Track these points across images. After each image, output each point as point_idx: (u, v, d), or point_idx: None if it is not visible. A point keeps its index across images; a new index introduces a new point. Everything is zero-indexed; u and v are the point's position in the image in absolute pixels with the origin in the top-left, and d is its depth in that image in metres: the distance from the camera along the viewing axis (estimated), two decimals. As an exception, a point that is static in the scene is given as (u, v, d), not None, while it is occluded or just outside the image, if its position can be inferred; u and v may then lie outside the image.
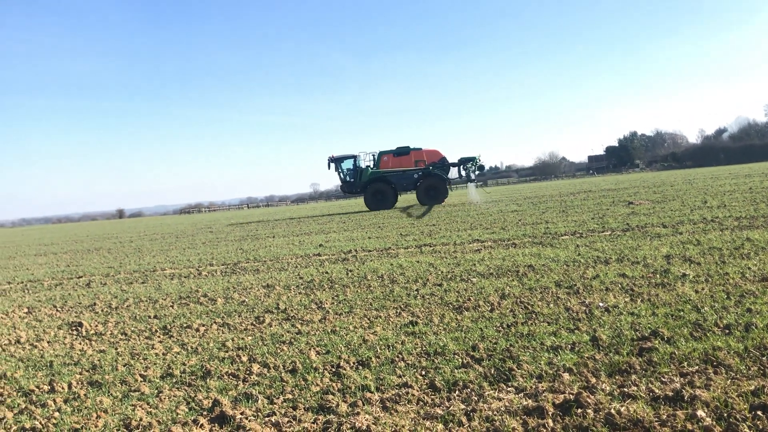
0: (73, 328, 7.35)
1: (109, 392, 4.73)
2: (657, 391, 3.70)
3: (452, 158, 34.69)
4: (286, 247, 15.42)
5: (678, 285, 6.56)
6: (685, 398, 3.53)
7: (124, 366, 5.42)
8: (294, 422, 3.80)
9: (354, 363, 4.89)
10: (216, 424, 3.89)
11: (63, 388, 4.91)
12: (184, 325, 6.93)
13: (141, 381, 4.93)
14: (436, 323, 5.92)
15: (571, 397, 3.71)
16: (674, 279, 6.90)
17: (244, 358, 5.29)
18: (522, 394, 3.92)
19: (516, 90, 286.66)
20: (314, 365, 4.91)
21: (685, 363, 4.16)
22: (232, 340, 6.02)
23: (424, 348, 5.12)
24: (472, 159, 34.24)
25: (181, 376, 4.97)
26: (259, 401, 4.19)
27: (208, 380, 4.79)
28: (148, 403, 4.38)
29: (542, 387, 3.97)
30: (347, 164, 34.43)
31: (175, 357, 5.58)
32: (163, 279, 11.36)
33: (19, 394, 4.90)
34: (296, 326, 6.36)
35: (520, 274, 8.13)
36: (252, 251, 15.25)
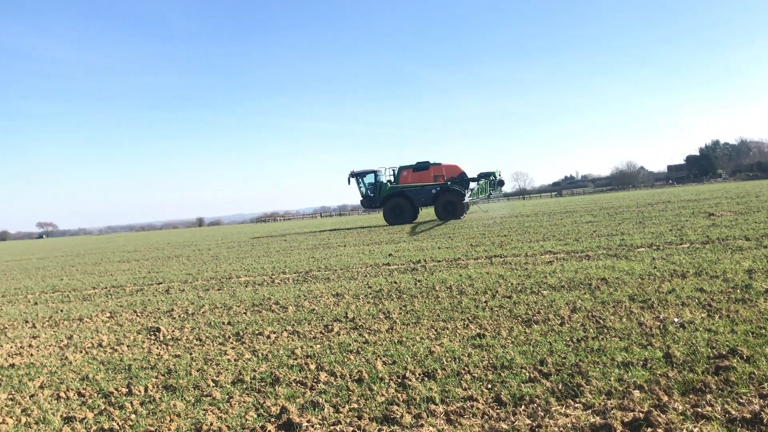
0: (152, 333, 7.64)
1: (182, 396, 4.89)
2: (734, 412, 3.55)
3: (473, 173, 34.51)
4: (357, 256, 15.56)
5: (760, 301, 6.27)
6: (765, 421, 3.37)
7: (197, 371, 5.59)
8: (358, 432, 3.84)
9: (419, 374, 4.90)
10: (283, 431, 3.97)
11: (140, 391, 5.11)
12: (256, 332, 7.10)
13: (213, 386, 5.08)
14: (503, 336, 5.85)
15: (641, 415, 3.60)
16: (756, 295, 6.60)
17: (312, 366, 5.37)
18: (590, 410, 3.83)
19: (593, 98, 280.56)
20: (380, 375, 4.94)
21: (766, 384, 3.97)
22: (301, 348, 6.12)
23: (490, 361, 5.07)
24: (491, 174, 33.94)
25: (251, 383, 5.09)
26: (326, 410, 4.25)
27: (276, 387, 4.89)
28: (218, 408, 4.50)
29: (611, 404, 3.87)
30: (368, 179, 34.83)
31: (246, 363, 5.72)
32: (237, 286, 11.66)
33: (100, 395, 5.13)
34: (363, 336, 6.41)
35: (592, 287, 7.94)
36: (323, 260, 15.46)
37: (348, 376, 5.01)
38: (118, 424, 4.34)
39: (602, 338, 5.44)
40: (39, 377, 5.86)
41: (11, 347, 7.50)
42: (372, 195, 34.95)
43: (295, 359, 5.70)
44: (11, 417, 4.73)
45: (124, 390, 5.18)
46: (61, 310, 10.35)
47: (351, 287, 10.01)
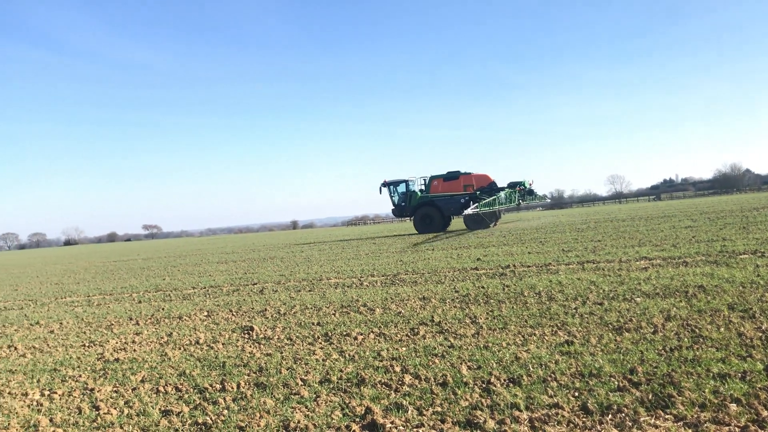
0: (245, 332, 7.92)
1: (272, 394, 5.06)
2: (839, 430, 3.34)
3: (503, 182, 34.29)
4: (444, 260, 15.55)
5: None
6: None
7: (287, 370, 5.76)
8: (441, 435, 3.86)
9: (505, 380, 4.86)
10: (367, 432, 4.05)
11: (232, 388, 5.33)
12: (344, 333, 7.24)
13: (301, 385, 5.22)
14: (593, 344, 5.72)
15: (737, 429, 3.45)
16: None
17: (398, 369, 5.43)
18: (681, 422, 3.70)
19: (694, 98, 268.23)
20: (465, 380, 4.94)
21: None
22: (387, 350, 6.20)
23: (578, 369, 4.97)
24: (521, 183, 33.81)
25: (337, 382, 5.20)
26: (409, 412, 4.30)
27: (362, 388, 4.98)
28: (306, 407, 4.63)
29: (704, 417, 3.72)
30: (400, 189, 35.55)
31: (334, 363, 5.85)
32: (327, 288, 11.90)
33: (195, 390, 5.38)
34: (449, 340, 6.42)
35: (688, 295, 7.63)
36: (411, 263, 15.54)
37: (432, 379, 5.04)
38: (211, 418, 4.54)
39: (697, 348, 5.22)
40: (141, 372, 6.21)
41: (116, 342, 7.97)
42: (403, 204, 35.61)
43: (381, 361, 5.78)
44: (115, 408, 5.03)
45: (218, 386, 5.40)
46: (163, 309, 10.89)
47: (438, 291, 10.03)
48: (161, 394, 5.35)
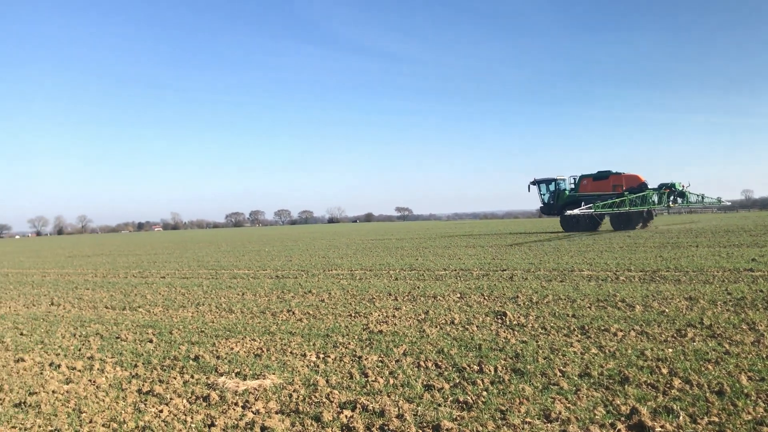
0: (499, 316, 8.00)
1: (530, 381, 5.05)
2: None
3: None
4: (711, 258, 14.23)
5: None
6: None
7: (544, 359, 5.71)
8: (720, 448, 3.56)
9: (795, 397, 4.33)
10: (634, 432, 3.87)
11: (490, 370, 5.42)
12: (602, 327, 6.97)
13: (560, 376, 5.14)
14: None
15: None
16: None
17: (664, 371, 5.10)
18: None
19: None
20: (745, 391, 4.49)
21: None
22: (651, 349, 5.85)
23: None
24: (671, 185, 32.27)
25: (598, 378, 5.04)
26: (681, 418, 4.02)
27: (626, 386, 4.76)
28: (566, 399, 4.55)
29: None
30: (550, 187, 35.36)
31: (593, 358, 5.67)
32: (580, 279, 11.55)
33: (454, 369, 5.56)
34: (723, 345, 5.88)
35: None
36: (672, 260, 14.45)
37: (706, 386, 4.65)
38: (471, 398, 4.67)
39: None
40: (402, 345, 6.58)
41: (379, 315, 8.52)
42: (551, 202, 35.32)
43: (645, 360, 5.47)
44: (381, 377, 5.39)
45: (476, 367, 5.53)
46: (418, 287, 11.41)
47: (706, 291, 9.22)
48: (422, 369, 5.61)
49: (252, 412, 4.66)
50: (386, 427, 4.16)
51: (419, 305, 9.28)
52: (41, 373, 6.26)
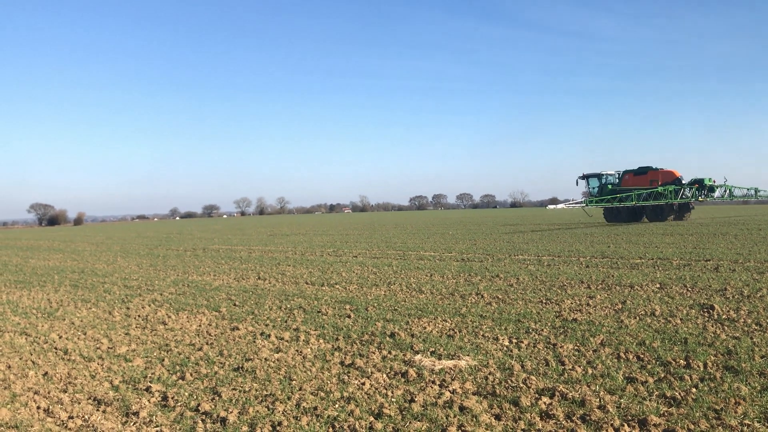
0: (705, 309, 7.46)
1: (746, 381, 4.67)
2: None
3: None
4: None
5: None
6: None
7: (761, 358, 5.25)
8: None
9: None
10: None
11: (698, 366, 5.08)
12: (830, 327, 6.26)
13: (782, 378, 4.70)
14: None
15: None
16: None
17: None
18: None
19: None
20: None
21: None
22: None
23: None
24: (701, 180, 34.10)
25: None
26: None
27: None
28: (791, 403, 4.15)
29: None
30: (594, 182, 37.76)
31: (821, 361, 5.11)
32: (799, 273, 10.43)
33: (657, 363, 5.28)
34: None
35: None
36: None
37: None
38: (679, 394, 4.41)
39: None
40: (599, 335, 6.36)
41: (572, 303, 8.30)
42: (597, 195, 37.15)
43: None
44: (579, 366, 5.25)
45: (683, 362, 5.22)
46: (612, 276, 10.94)
47: None
48: (623, 360, 5.39)
49: (449, 391, 4.76)
50: (587, 417, 4.06)
51: (615, 294, 8.90)
52: (254, 341, 6.84)
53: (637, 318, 7.16)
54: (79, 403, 4.97)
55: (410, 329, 7.06)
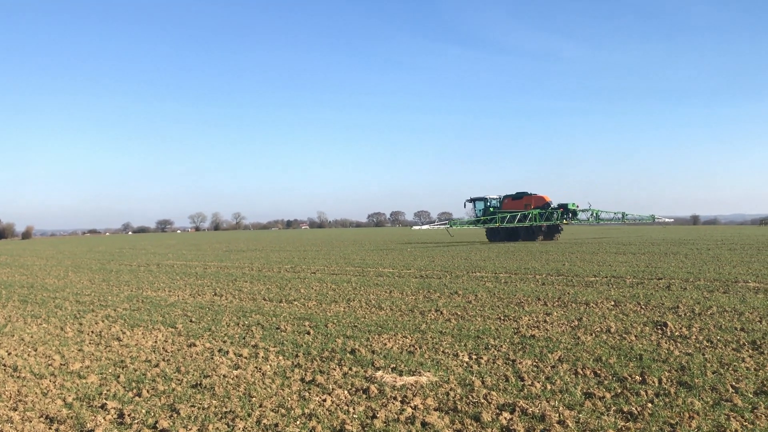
0: (659, 327, 7.64)
1: (699, 396, 4.79)
2: None
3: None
4: None
5: None
6: None
7: (713, 373, 5.40)
8: None
9: None
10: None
11: (654, 382, 5.20)
12: (777, 344, 6.47)
13: (732, 392, 4.84)
14: None
15: None
16: None
17: None
18: None
19: None
20: None
21: None
22: (838, 371, 5.36)
23: None
24: (565, 205, 38.28)
25: (777, 397, 4.69)
26: None
27: (810, 409, 4.40)
28: (742, 417, 4.28)
29: None
30: (479, 205, 41.86)
31: (769, 376, 5.28)
32: (746, 291, 10.77)
33: (614, 378, 5.38)
34: None
35: None
36: None
37: None
38: (635, 409, 4.50)
39: None
40: (557, 351, 6.45)
41: (529, 320, 8.41)
42: (482, 216, 40.78)
43: (831, 382, 5.03)
44: (538, 382, 5.32)
45: (638, 378, 5.33)
46: (568, 293, 11.12)
47: None
48: (580, 376, 5.49)
49: (411, 407, 4.77)
50: (547, 432, 4.12)
51: (571, 311, 9.05)
52: (212, 358, 6.74)
53: (594, 335, 7.29)
54: (30, 421, 4.82)
55: (371, 346, 7.05)
